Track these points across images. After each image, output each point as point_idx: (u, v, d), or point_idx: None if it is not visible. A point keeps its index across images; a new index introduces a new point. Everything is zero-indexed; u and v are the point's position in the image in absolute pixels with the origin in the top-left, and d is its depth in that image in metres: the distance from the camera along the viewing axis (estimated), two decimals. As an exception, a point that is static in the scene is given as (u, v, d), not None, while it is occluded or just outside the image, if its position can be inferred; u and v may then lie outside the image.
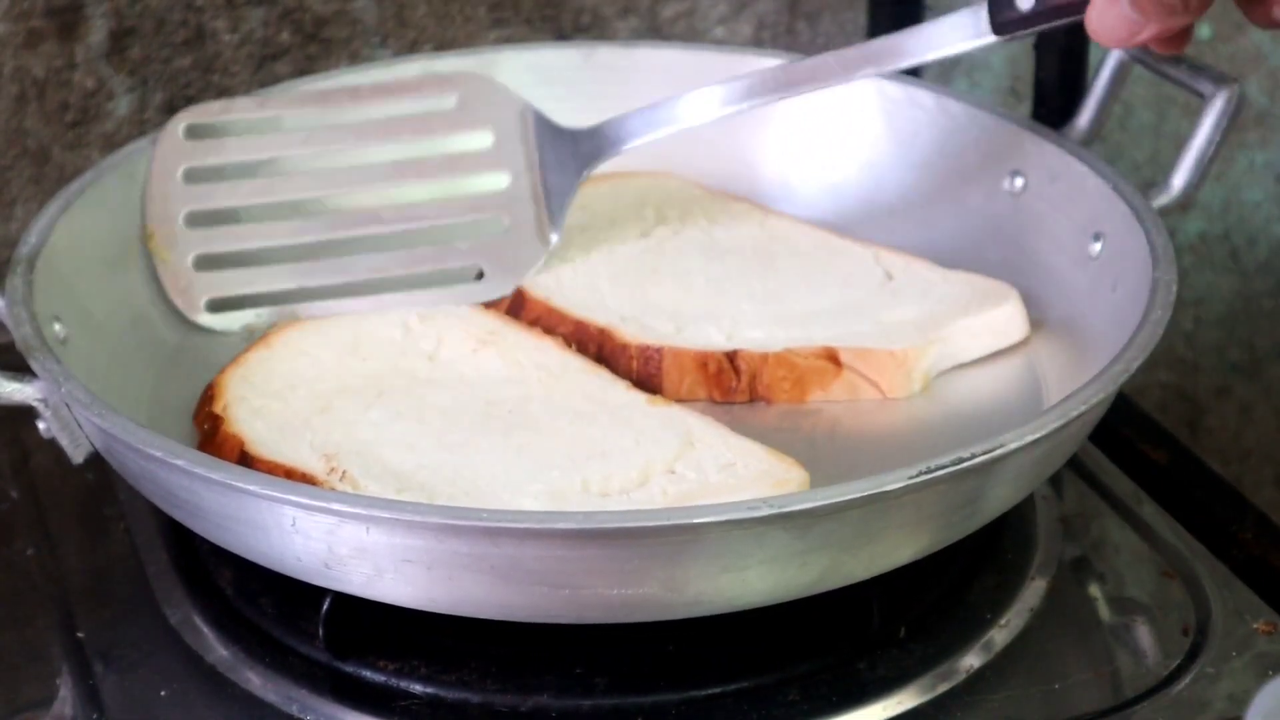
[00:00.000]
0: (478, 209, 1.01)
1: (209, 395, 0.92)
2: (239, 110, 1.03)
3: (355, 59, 1.19)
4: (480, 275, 1.00)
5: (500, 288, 0.99)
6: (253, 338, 0.97)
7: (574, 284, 1.00)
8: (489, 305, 0.99)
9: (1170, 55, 0.92)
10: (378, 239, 1.01)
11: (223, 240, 1.00)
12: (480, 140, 1.02)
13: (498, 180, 1.01)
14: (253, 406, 0.90)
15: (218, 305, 0.99)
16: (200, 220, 1.00)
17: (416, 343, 0.95)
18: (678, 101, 0.98)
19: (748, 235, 1.05)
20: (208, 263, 0.99)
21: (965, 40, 0.92)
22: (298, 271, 1.00)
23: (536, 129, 1.01)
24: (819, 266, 1.02)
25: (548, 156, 1.01)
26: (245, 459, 0.87)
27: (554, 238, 1.00)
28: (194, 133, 1.02)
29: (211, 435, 0.89)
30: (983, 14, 0.91)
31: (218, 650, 0.86)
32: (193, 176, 1.01)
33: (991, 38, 0.91)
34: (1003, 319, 0.98)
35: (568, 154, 1.00)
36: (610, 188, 1.07)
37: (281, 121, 1.03)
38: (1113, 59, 1.02)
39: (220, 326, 0.98)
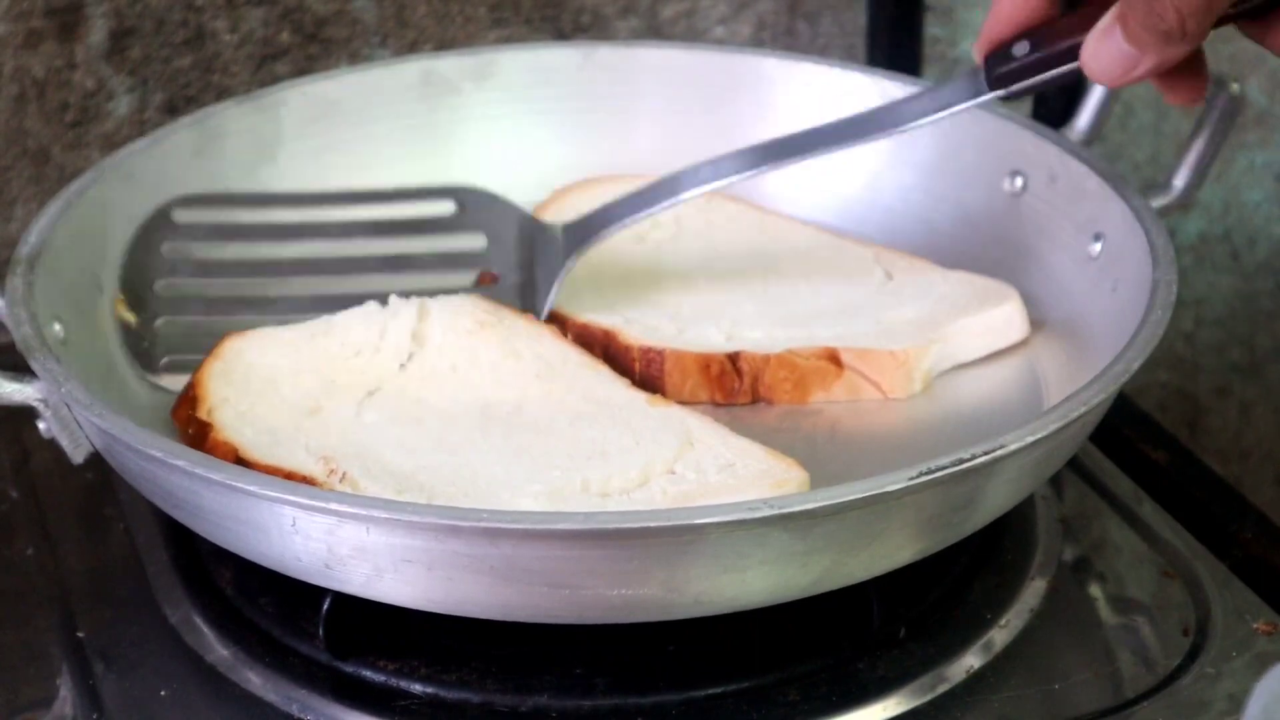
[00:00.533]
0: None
1: (190, 395, 0.91)
2: (236, 203, 1.03)
3: (355, 59, 1.19)
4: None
5: None
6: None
7: (575, 286, 1.00)
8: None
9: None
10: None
11: (192, 310, 0.98)
12: (474, 242, 1.02)
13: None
14: (238, 410, 0.90)
15: (175, 366, 0.96)
16: (172, 292, 0.99)
17: (398, 336, 0.94)
18: (664, 183, 0.97)
19: (746, 235, 1.05)
20: (171, 328, 0.98)
21: (965, 101, 0.91)
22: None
23: (530, 232, 1.01)
24: (819, 266, 1.02)
25: (537, 254, 1.00)
26: (240, 464, 0.87)
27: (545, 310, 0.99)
28: (187, 216, 1.01)
29: (200, 441, 0.88)
30: (980, 75, 0.90)
31: (218, 650, 0.86)
32: (175, 254, 1.00)
33: (990, 94, 0.90)
34: (1003, 319, 0.98)
35: (554, 249, 1.00)
36: (602, 191, 1.07)
37: (276, 215, 1.03)
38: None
39: (176, 386, 0.95)
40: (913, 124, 0.93)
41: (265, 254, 1.01)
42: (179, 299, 0.99)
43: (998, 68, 0.90)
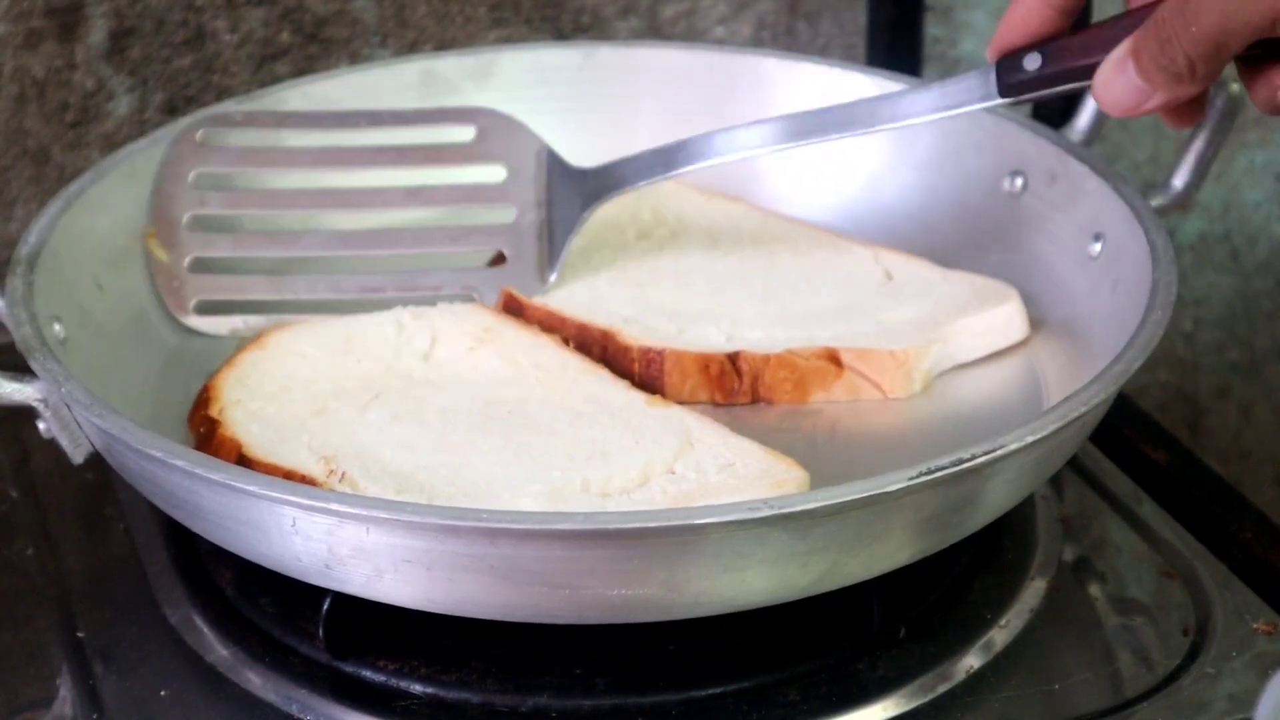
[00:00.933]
0: (479, 239, 1.01)
1: (204, 398, 0.92)
2: (259, 123, 1.03)
3: (355, 59, 1.19)
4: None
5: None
6: (241, 342, 0.97)
7: (573, 286, 1.00)
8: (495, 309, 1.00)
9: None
10: (375, 259, 1.01)
11: (220, 246, 1.00)
12: (493, 174, 1.02)
13: (504, 214, 1.01)
14: (248, 409, 0.90)
15: (206, 308, 0.99)
16: (202, 225, 1.00)
17: (410, 341, 0.95)
18: (686, 144, 0.97)
19: (746, 235, 1.05)
20: (202, 266, 0.99)
21: (973, 102, 0.92)
22: (290, 283, 1.00)
23: (549, 167, 1.02)
24: (819, 266, 1.02)
25: (555, 194, 1.01)
26: (243, 462, 0.87)
27: (552, 277, 0.99)
28: (210, 139, 1.02)
29: (208, 439, 0.89)
30: (992, 76, 0.91)
31: (218, 650, 0.85)
32: (202, 182, 1.01)
33: (999, 100, 0.91)
34: (1003, 319, 0.98)
35: (575, 191, 1.00)
36: None
37: (298, 137, 1.03)
38: (1113, 59, 1.02)
39: (207, 329, 0.98)
40: (921, 118, 0.94)
41: (288, 182, 1.02)
42: (207, 235, 1.00)
43: (1008, 76, 0.90)
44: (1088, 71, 0.86)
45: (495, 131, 1.03)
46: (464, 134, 1.03)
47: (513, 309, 0.98)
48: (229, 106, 1.05)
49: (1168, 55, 0.81)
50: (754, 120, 0.97)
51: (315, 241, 1.01)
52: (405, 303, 0.98)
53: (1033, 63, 0.89)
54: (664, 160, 0.98)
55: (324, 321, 0.97)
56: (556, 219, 1.00)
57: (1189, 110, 0.86)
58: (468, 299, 0.99)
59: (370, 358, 0.94)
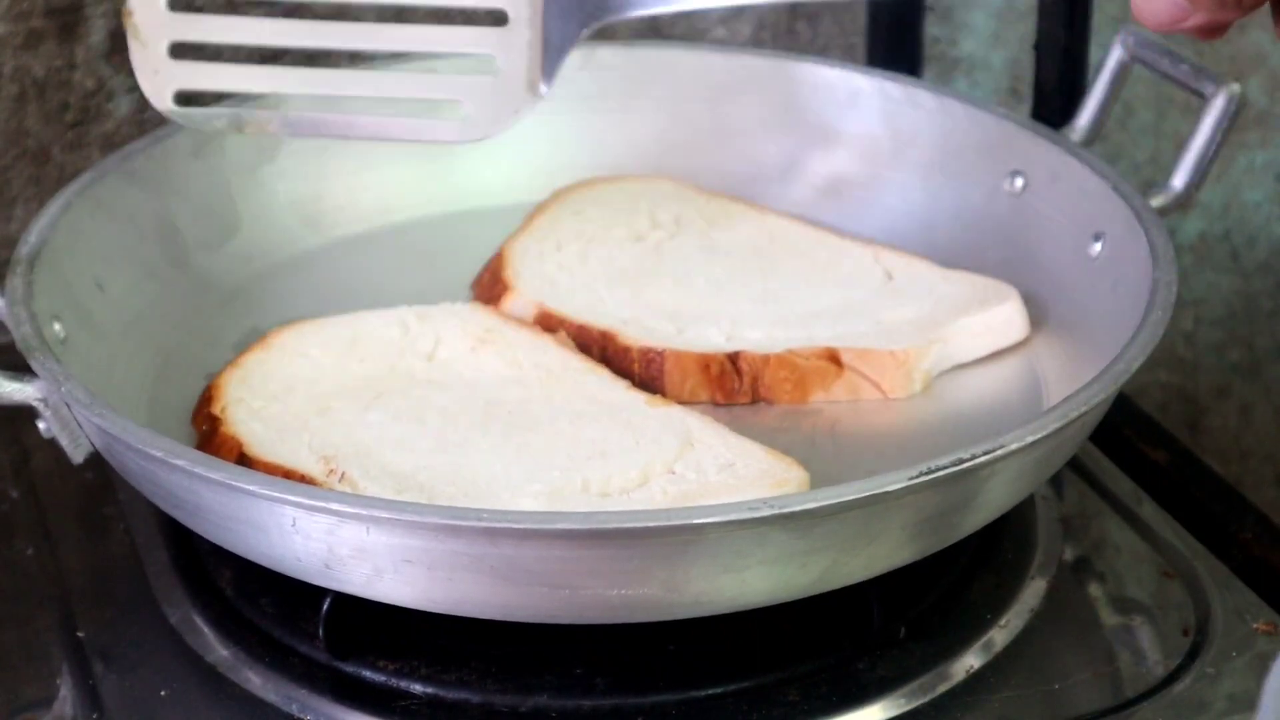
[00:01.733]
0: (470, 44, 0.96)
1: (207, 397, 0.92)
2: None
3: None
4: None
5: (478, 130, 0.94)
6: (244, 348, 0.96)
7: (572, 286, 1.00)
8: (487, 303, 0.99)
9: (1170, 54, 0.91)
10: (362, 56, 0.96)
11: (202, 30, 0.95)
12: None
13: (497, 20, 0.95)
14: (251, 408, 0.90)
15: (186, 99, 0.94)
16: (183, 6, 0.95)
17: (414, 343, 0.95)
18: None
19: (746, 236, 1.05)
20: (183, 51, 0.94)
21: None
22: (274, 75, 0.96)
23: None
24: (819, 266, 1.02)
25: (551, 7, 0.95)
26: (243, 460, 0.87)
27: (543, 89, 0.94)
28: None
29: (210, 437, 0.89)
30: None
31: (218, 650, 0.86)
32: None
33: None
34: (1003, 319, 0.98)
35: (573, 5, 0.94)
36: (604, 191, 1.07)
37: None
38: (1113, 59, 1.02)
39: (185, 121, 0.94)
40: None
41: None
42: (188, 16, 0.94)
43: None
44: None
45: None
46: None
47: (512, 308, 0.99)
48: (230, 108, 1.05)
49: None
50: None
51: (302, 30, 0.96)
52: (389, 109, 0.95)
53: None
54: None
55: (330, 323, 0.97)
56: (551, 35, 0.94)
57: (1218, 27, 0.84)
58: (454, 104, 0.94)
59: (374, 358, 0.94)
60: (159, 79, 0.94)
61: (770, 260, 1.03)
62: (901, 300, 0.99)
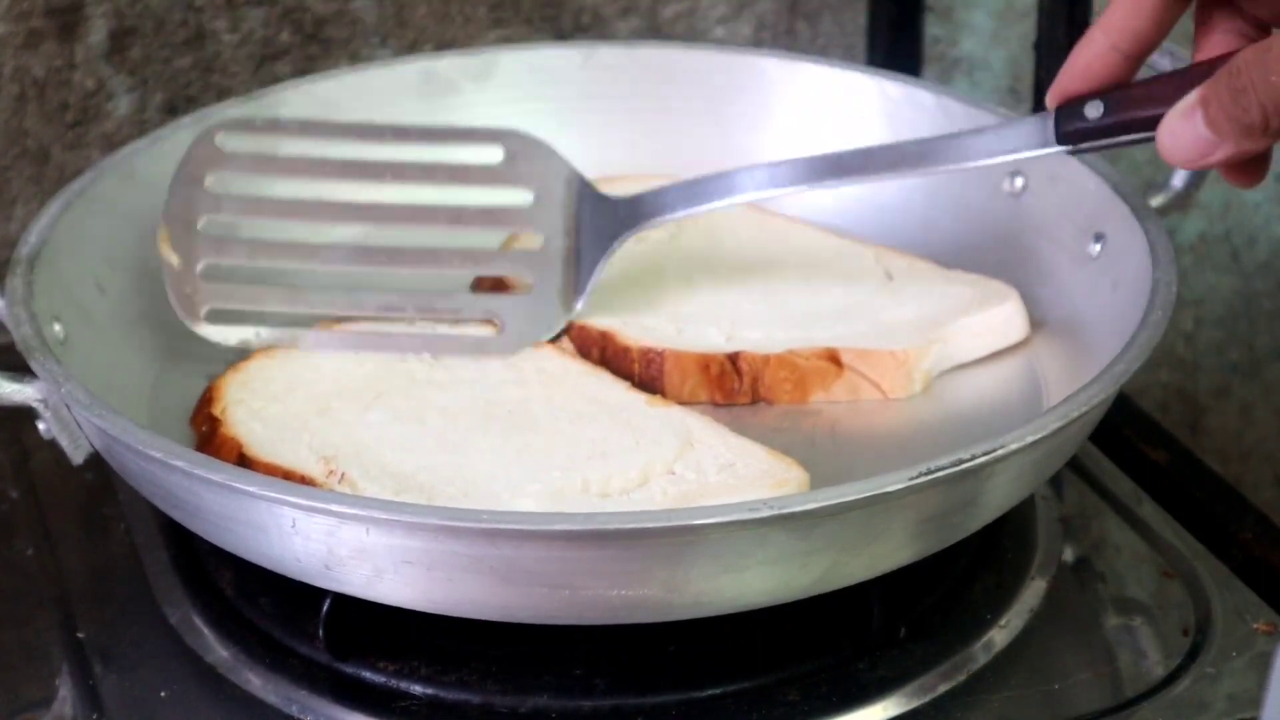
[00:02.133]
0: (503, 265, 0.99)
1: (207, 397, 0.92)
2: (281, 130, 1.01)
3: (355, 59, 1.19)
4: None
5: (512, 346, 0.95)
6: (247, 352, 0.96)
7: None
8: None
9: (1170, 54, 0.91)
10: (395, 278, 0.98)
11: (236, 254, 0.97)
12: (520, 198, 0.98)
13: (531, 240, 0.98)
14: (251, 409, 0.90)
15: (218, 317, 0.96)
16: (217, 231, 0.97)
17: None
18: (724, 177, 0.95)
19: (745, 236, 1.05)
20: (216, 273, 0.96)
21: (1030, 149, 0.89)
22: (306, 297, 0.97)
23: (579, 195, 0.98)
24: (819, 267, 1.02)
25: (584, 222, 0.97)
26: (243, 461, 0.87)
27: (578, 306, 0.96)
28: (230, 144, 0.99)
29: (210, 437, 0.89)
30: (1050, 123, 0.88)
31: (218, 650, 0.86)
32: (219, 188, 0.98)
33: (1056, 148, 0.88)
34: (1003, 319, 0.98)
35: (605, 221, 0.97)
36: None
37: (321, 148, 1.00)
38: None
39: (216, 338, 0.96)
40: (977, 162, 0.91)
41: (309, 192, 0.99)
42: (222, 241, 0.97)
43: (1068, 123, 0.88)
44: (1151, 123, 0.84)
45: (525, 155, 0.99)
46: (492, 155, 0.99)
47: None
48: (235, 108, 1.05)
49: (1241, 105, 0.78)
50: (796, 157, 0.94)
51: (335, 255, 0.98)
52: (425, 320, 0.96)
53: (1094, 111, 0.87)
54: (699, 193, 0.95)
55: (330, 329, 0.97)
56: (584, 247, 0.97)
57: (1253, 167, 0.83)
58: (489, 323, 0.96)
59: (374, 362, 0.94)
60: (191, 299, 0.95)
61: (770, 260, 1.03)
62: (901, 300, 0.99)
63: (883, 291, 1.00)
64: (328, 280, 0.98)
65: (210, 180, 0.98)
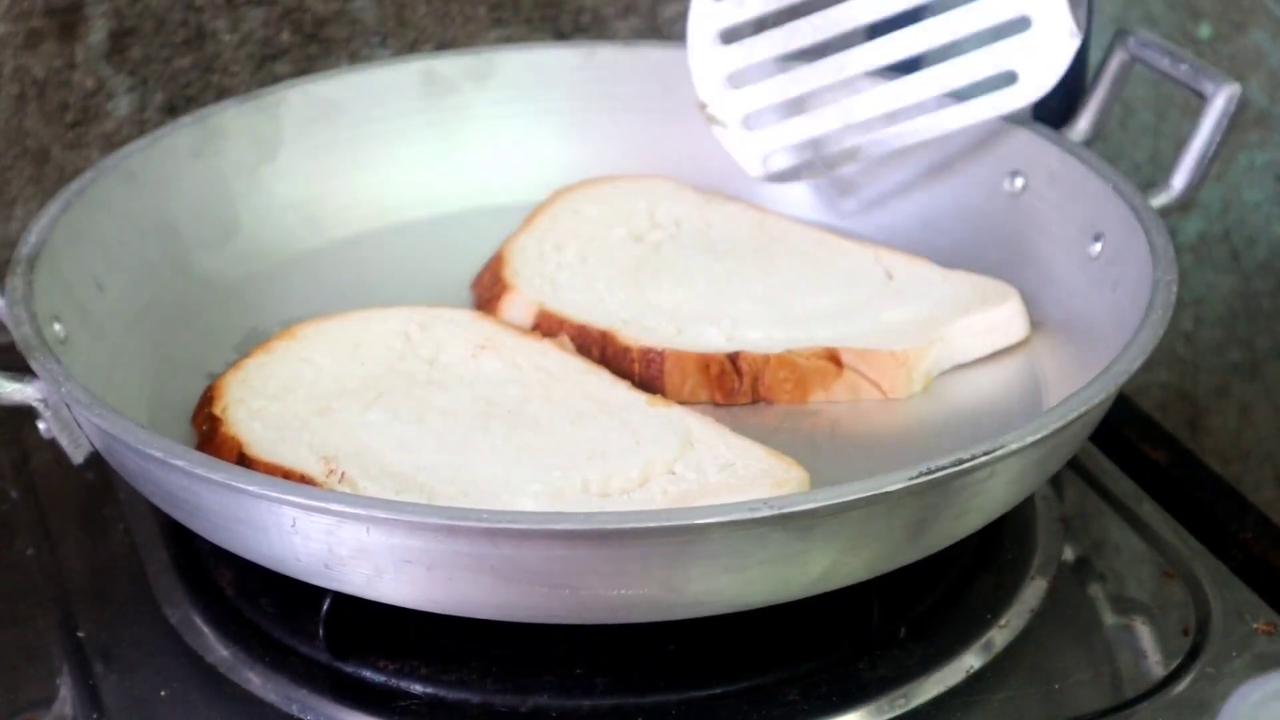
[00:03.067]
0: (1009, 10, 1.00)
1: (208, 397, 0.92)
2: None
3: (355, 59, 1.19)
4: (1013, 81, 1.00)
5: (1037, 88, 0.99)
6: (247, 352, 0.96)
7: (572, 286, 1.00)
8: (487, 303, 0.99)
9: (1170, 54, 0.91)
10: (907, 65, 1.02)
11: (762, 96, 1.03)
12: None
13: None
14: (251, 408, 0.90)
15: (778, 160, 1.04)
16: (740, 80, 1.04)
17: (416, 349, 0.95)
18: None
19: (745, 236, 1.05)
20: (756, 120, 1.04)
21: None
22: (840, 112, 1.02)
23: None
24: (819, 267, 1.02)
25: None
26: (243, 461, 0.87)
27: (1078, 31, 0.99)
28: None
29: (210, 436, 0.89)
30: None
31: (218, 650, 0.86)
32: (728, 37, 1.04)
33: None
34: (1003, 319, 0.98)
35: None
36: (603, 191, 1.07)
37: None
38: (1113, 59, 1.02)
39: (789, 179, 1.04)
40: None
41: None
42: (749, 89, 1.05)
43: None
44: None
45: None
46: None
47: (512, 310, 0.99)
48: (235, 107, 1.05)
49: None
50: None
51: (848, 63, 1.02)
52: (952, 100, 1.01)
53: None
54: None
55: (332, 328, 0.97)
56: None
57: None
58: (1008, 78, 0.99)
59: (374, 360, 0.94)
60: (747, 151, 1.04)
61: (770, 260, 1.03)
62: (902, 300, 0.99)
63: (883, 292, 1.00)
64: (846, 90, 1.03)
65: (717, 34, 1.04)
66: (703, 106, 1.04)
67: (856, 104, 1.03)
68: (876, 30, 1.03)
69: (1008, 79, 1.00)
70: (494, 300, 1.00)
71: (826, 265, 1.02)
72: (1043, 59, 0.99)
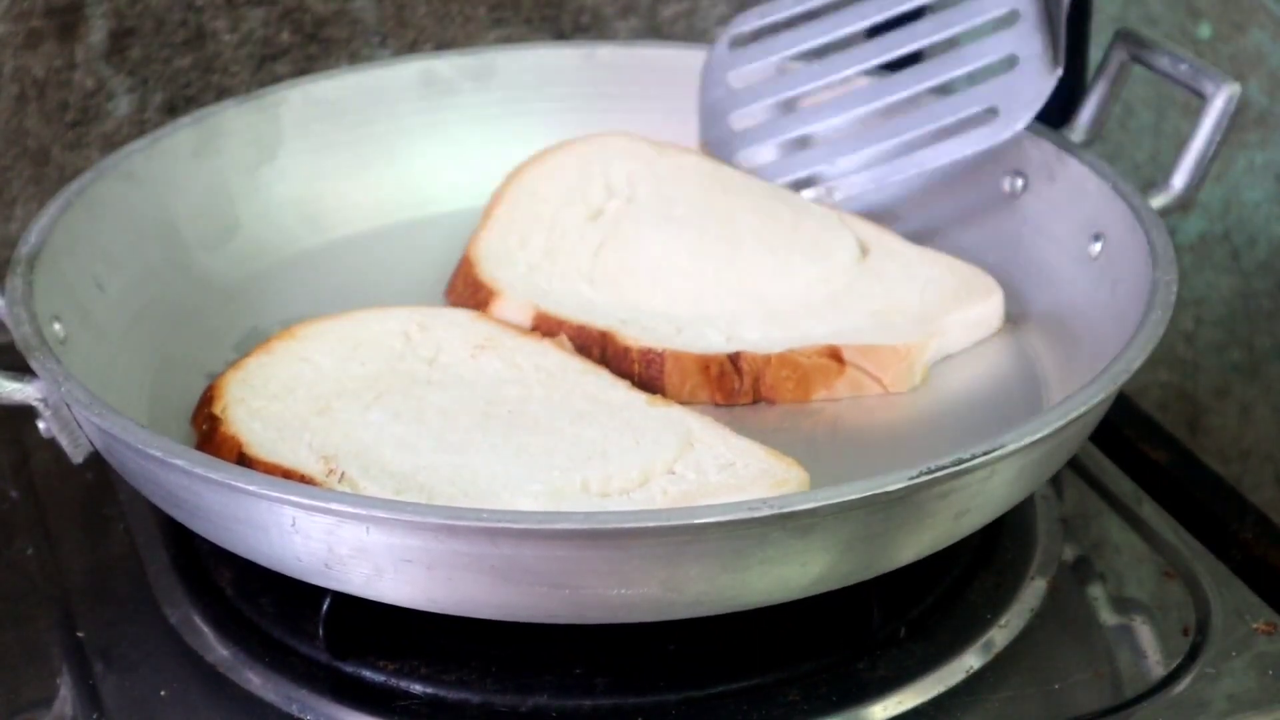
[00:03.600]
0: (993, 53, 1.02)
1: (207, 397, 0.92)
2: (778, 10, 1.08)
3: (355, 59, 1.20)
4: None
5: (1016, 122, 1.00)
6: (247, 351, 0.96)
7: (553, 287, 1.00)
8: (486, 312, 0.99)
9: (1170, 54, 0.92)
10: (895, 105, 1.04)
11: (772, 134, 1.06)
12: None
13: (1008, 16, 1.02)
14: (251, 408, 0.90)
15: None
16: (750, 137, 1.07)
17: (416, 349, 0.95)
18: None
19: (701, 199, 1.04)
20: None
21: None
22: (837, 149, 1.05)
23: None
24: (784, 233, 1.01)
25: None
26: (243, 460, 0.87)
27: (1059, 67, 1.00)
28: (737, 42, 1.08)
29: (210, 436, 0.89)
30: None
31: (218, 650, 0.86)
32: (740, 81, 1.07)
33: None
34: (991, 312, 0.99)
35: None
36: (554, 163, 1.06)
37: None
38: (1113, 59, 1.02)
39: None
40: None
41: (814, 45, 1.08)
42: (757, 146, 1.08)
43: None
44: None
45: None
46: None
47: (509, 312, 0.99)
48: (235, 107, 1.05)
49: None
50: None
51: (851, 101, 1.05)
52: (934, 139, 1.02)
53: None
54: None
55: (332, 329, 0.97)
56: (1051, 11, 1.01)
57: None
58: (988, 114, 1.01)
59: (375, 362, 0.94)
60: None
61: (733, 228, 1.02)
62: (887, 286, 0.99)
63: (863, 275, 1.00)
64: (852, 129, 1.06)
65: (731, 77, 1.08)
66: (702, 145, 1.05)
67: (854, 144, 1.05)
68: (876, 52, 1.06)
69: (989, 114, 1.01)
70: (481, 306, 0.99)
71: (792, 232, 1.02)
72: (1023, 94, 1.00)
